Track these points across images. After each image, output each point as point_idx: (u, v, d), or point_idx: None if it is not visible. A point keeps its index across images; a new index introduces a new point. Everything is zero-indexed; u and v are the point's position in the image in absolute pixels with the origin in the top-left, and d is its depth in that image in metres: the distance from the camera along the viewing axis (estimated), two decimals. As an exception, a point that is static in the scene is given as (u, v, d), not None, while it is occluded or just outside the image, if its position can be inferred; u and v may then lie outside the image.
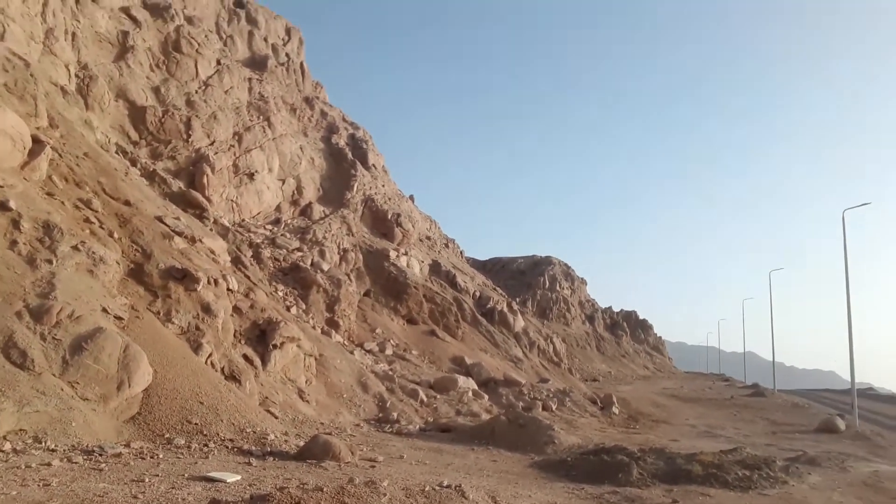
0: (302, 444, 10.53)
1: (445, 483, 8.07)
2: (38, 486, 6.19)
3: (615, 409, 26.05)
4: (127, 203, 15.70)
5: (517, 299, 56.93)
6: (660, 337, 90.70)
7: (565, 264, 78.89)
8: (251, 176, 28.89)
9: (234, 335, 15.09)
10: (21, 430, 8.01)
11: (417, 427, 16.42)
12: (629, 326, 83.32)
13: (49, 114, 15.96)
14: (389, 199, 38.07)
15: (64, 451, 7.90)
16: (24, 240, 10.97)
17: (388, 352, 24.86)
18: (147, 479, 7.06)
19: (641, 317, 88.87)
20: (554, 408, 23.18)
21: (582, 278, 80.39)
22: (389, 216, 35.47)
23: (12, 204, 11.20)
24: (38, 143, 13.55)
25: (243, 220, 27.44)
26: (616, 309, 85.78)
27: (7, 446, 7.50)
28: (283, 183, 31.66)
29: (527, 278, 73.28)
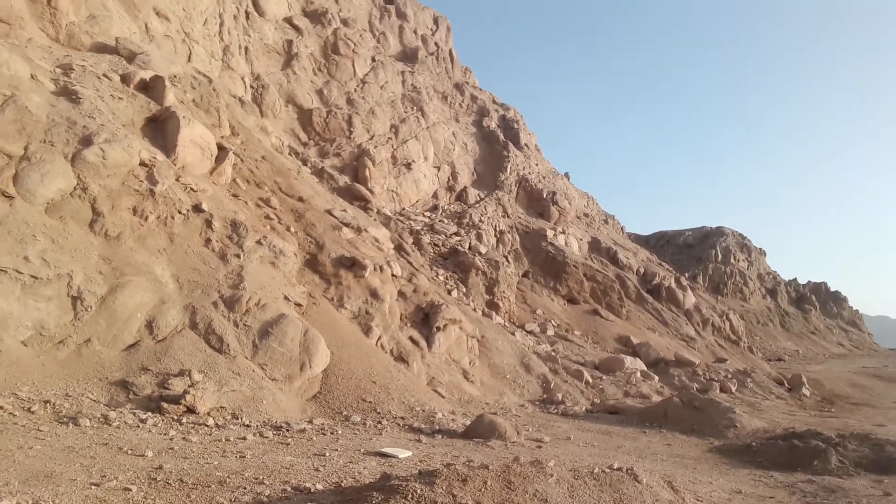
0: (468, 423, 10.72)
1: (616, 466, 7.75)
2: (236, 457, 6.88)
3: (805, 391, 23.58)
4: (300, 199, 16.96)
5: (686, 274, 53.62)
6: (856, 310, 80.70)
7: (740, 234, 72.81)
8: (408, 166, 29.95)
9: (400, 318, 15.76)
10: (221, 407, 8.97)
11: (584, 408, 16.07)
12: (819, 300, 75.06)
13: (230, 123, 17.66)
14: (543, 177, 37.55)
15: (257, 426, 8.73)
16: (216, 238, 12.25)
17: (550, 332, 24.61)
18: (328, 454, 7.57)
19: (833, 289, 79.70)
20: (734, 389, 21.53)
21: (760, 249, 73.76)
22: (544, 195, 35.00)
23: (205, 206, 12.53)
24: (222, 150, 15.05)
25: (403, 209, 28.56)
26: (802, 281, 77.71)
27: (210, 422, 8.44)
28: (439, 170, 32.45)
29: (696, 252, 68.73)
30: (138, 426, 7.70)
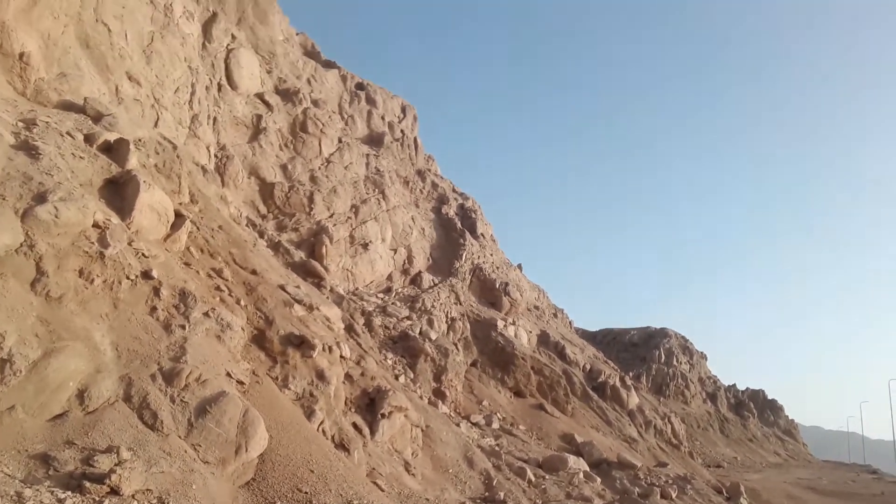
0: (408, 520, 10.30)
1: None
2: (160, 548, 6.40)
3: (744, 501, 23.68)
4: (254, 272, 16.72)
5: (630, 374, 54.24)
6: (792, 420, 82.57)
7: (682, 337, 74.70)
8: (366, 246, 30.09)
9: (345, 402, 15.35)
10: (148, 489, 8.40)
11: (525, 508, 15.69)
12: (756, 407, 76.67)
13: (190, 190, 17.55)
14: (497, 268, 38.18)
15: (184, 513, 8.18)
16: (162, 306, 11.87)
17: (495, 426, 24.28)
18: (258, 549, 7.12)
19: (770, 396, 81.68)
20: (674, 496, 21.43)
21: (702, 352, 75.60)
22: (497, 285, 35.47)
23: (154, 273, 12.21)
24: (179, 217, 14.85)
25: (357, 289, 28.42)
26: (741, 387, 79.49)
27: (134, 505, 7.88)
28: (395, 252, 32.68)
29: (640, 351, 69.94)
30: (54, 507, 7.13)
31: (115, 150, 14.50)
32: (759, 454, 63.13)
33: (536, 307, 41.81)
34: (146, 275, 12.10)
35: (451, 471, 16.84)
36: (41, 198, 10.83)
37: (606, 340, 71.31)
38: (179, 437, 9.70)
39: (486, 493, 16.36)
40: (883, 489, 39.49)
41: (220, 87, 27.19)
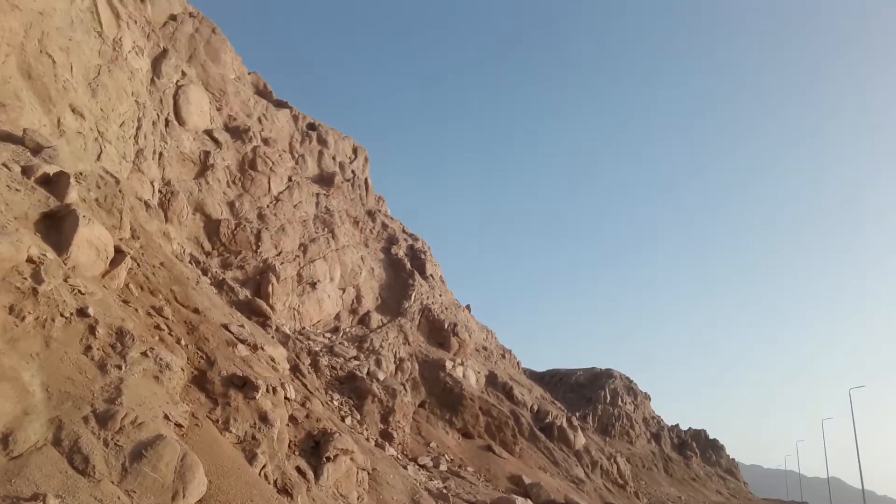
0: (352, 567, 10.01)
1: None
2: None
3: (688, 541, 23.89)
4: (196, 311, 16.29)
5: (577, 414, 54.64)
6: (733, 459, 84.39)
7: (627, 377, 75.96)
8: (313, 285, 29.73)
9: (289, 446, 14.93)
10: (75, 539, 7.94)
11: (473, 553, 15.45)
12: (699, 446, 78.10)
13: (132, 226, 17.09)
14: (446, 308, 38.24)
15: (114, 564, 7.75)
16: (97, 345, 11.41)
17: (443, 467, 23.97)
18: None
19: (712, 436, 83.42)
20: (620, 537, 21.48)
21: (645, 393, 76.92)
22: (446, 326, 35.47)
23: (91, 311, 11.77)
24: (119, 253, 14.41)
25: (304, 328, 27.95)
26: (683, 427, 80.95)
27: (60, 557, 7.42)
28: (344, 292, 32.39)
29: (586, 392, 70.67)
30: (-30, 561, 6.66)
31: (54, 184, 14.07)
32: (702, 493, 64.03)
33: (485, 348, 41.90)
34: (82, 312, 11.65)
35: (397, 515, 16.49)
36: (-28, 231, 10.38)
37: (553, 381, 71.84)
38: (112, 482, 9.23)
39: (433, 538, 16.05)
40: (819, 526, 40.55)
41: (167, 122, 26.81)
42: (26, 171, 13.77)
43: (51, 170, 14.34)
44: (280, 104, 39.33)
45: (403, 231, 43.26)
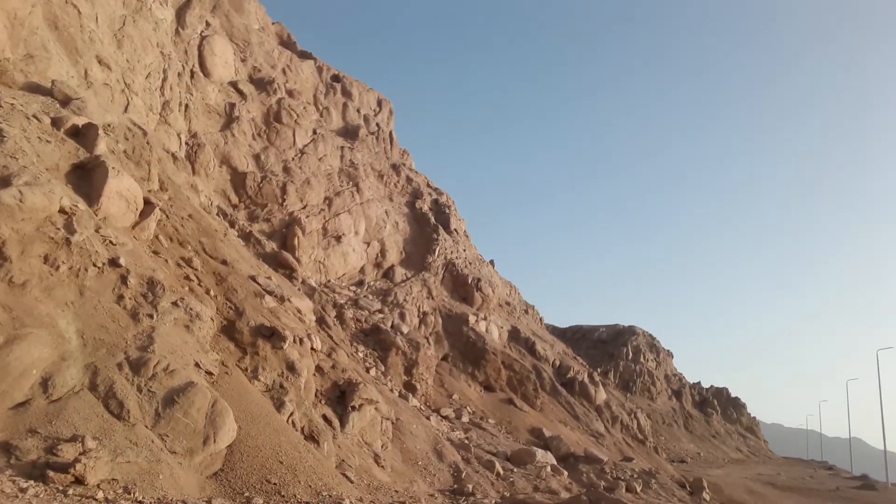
0: (376, 511, 10.34)
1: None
2: (125, 538, 6.34)
3: (706, 495, 24.22)
4: (224, 262, 16.53)
5: (598, 370, 55.00)
6: (753, 417, 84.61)
7: (650, 335, 75.94)
8: (338, 239, 29.92)
9: (315, 395, 15.29)
10: (113, 479, 8.29)
11: (493, 501, 15.82)
12: (720, 404, 78.36)
13: (160, 178, 17.26)
14: (470, 263, 38.29)
15: (150, 503, 8.10)
16: (129, 295, 11.68)
17: (465, 419, 24.41)
18: (225, 539, 7.09)
19: (733, 395, 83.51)
20: (638, 490, 21.81)
21: (668, 350, 76.96)
22: (469, 280, 35.58)
23: (122, 261, 12.01)
24: (148, 204, 14.61)
25: (329, 281, 28.27)
26: (705, 385, 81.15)
27: (100, 495, 7.77)
28: (368, 246, 32.56)
29: (609, 348, 70.93)
30: (17, 496, 6.98)
31: (83, 135, 14.20)
32: (721, 450, 64.56)
33: (508, 303, 42.07)
34: (113, 262, 11.90)
35: (420, 463, 16.91)
36: (5, 181, 10.57)
37: (576, 337, 72.12)
38: (146, 426, 9.58)
39: (455, 486, 16.47)
40: (838, 485, 40.75)
41: (192, 74, 26.73)
42: (56, 122, 13.89)
43: (79, 121, 14.45)
44: (304, 55, 38.89)
45: (428, 185, 43.08)
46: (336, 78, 40.37)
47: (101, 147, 14.22)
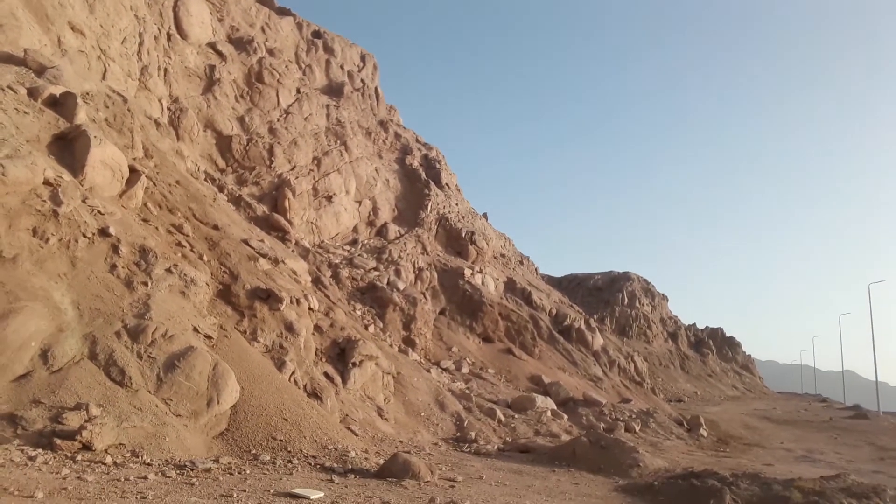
0: (382, 462, 10.58)
1: (527, 505, 7.89)
2: (136, 498, 6.48)
3: (703, 432, 24.84)
4: (215, 227, 16.46)
5: (595, 317, 55.64)
6: (749, 355, 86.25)
7: (644, 280, 76.61)
8: (329, 198, 29.74)
9: (316, 353, 15.46)
10: (120, 444, 8.44)
11: (496, 447, 16.20)
12: (715, 344, 79.72)
13: (144, 145, 17.02)
14: (463, 217, 38.23)
15: (159, 465, 8.26)
16: (122, 264, 11.66)
17: (465, 370, 24.77)
18: (235, 495, 7.26)
19: (728, 334, 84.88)
20: (637, 429, 22.35)
21: (663, 294, 77.80)
22: (463, 234, 35.58)
23: (112, 230, 11.94)
24: (134, 172, 14.44)
25: (322, 242, 28.22)
26: (700, 326, 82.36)
27: (108, 459, 7.91)
28: (360, 204, 32.41)
29: (604, 295, 71.62)
30: (27, 464, 7.11)
31: (61, 105, 13.92)
32: (717, 388, 65.95)
33: (503, 255, 42.19)
34: (103, 232, 11.83)
35: (423, 414, 17.24)
36: (-14, 155, 10.40)
37: (571, 286, 72.70)
38: (149, 392, 9.69)
39: (458, 434, 16.83)
40: (831, 416, 41.83)
41: (169, 36, 26.06)
42: (32, 92, 13.60)
43: (57, 91, 14.15)
44: (283, 12, 37.88)
45: (417, 141, 42.62)
46: (317, 34, 39.44)
47: (82, 116, 13.97)
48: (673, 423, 25.28)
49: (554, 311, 37.40)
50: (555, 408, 22.31)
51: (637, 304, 71.02)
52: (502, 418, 19.51)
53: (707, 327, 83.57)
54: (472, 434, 16.76)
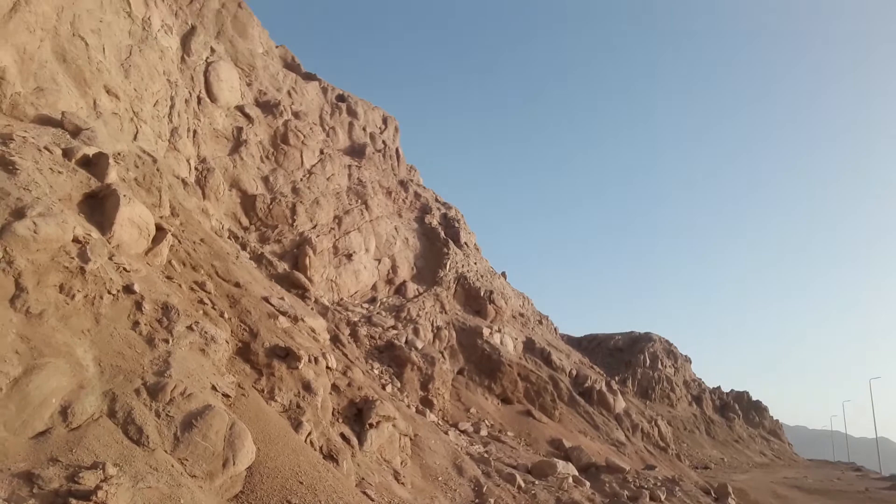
0: (399, 529, 10.25)
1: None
2: (148, 563, 6.31)
3: (732, 501, 23.82)
4: (237, 285, 16.61)
5: (616, 378, 54.52)
6: (776, 420, 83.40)
7: (666, 341, 75.24)
8: (349, 257, 30.00)
9: (333, 413, 15.26)
10: (134, 505, 8.28)
11: (516, 514, 15.65)
12: (741, 408, 77.34)
13: (171, 204, 17.43)
14: (481, 276, 38.23)
15: (172, 528, 8.07)
16: (144, 321, 11.74)
17: (483, 433, 24.24)
18: (248, 561, 7.04)
19: (755, 398, 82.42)
20: (663, 498, 21.50)
21: (686, 356, 76.19)
22: (482, 293, 35.51)
23: (136, 287, 12.09)
24: (160, 230, 14.74)
25: (341, 299, 28.31)
26: (725, 389, 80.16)
27: (121, 521, 7.76)
28: (379, 262, 32.62)
29: (625, 356, 70.31)
30: (39, 526, 7.00)
31: (94, 165, 14.38)
32: (745, 455, 63.58)
33: (521, 314, 41.90)
34: (128, 289, 11.98)
35: (440, 478, 16.78)
36: (19, 213, 10.69)
37: (591, 346, 71.60)
38: (166, 451, 9.57)
39: (476, 500, 16.31)
40: (867, 486, 39.97)
41: (199, 99, 27.05)
42: (67, 153, 14.09)
43: (90, 151, 14.65)
44: (308, 77, 39.29)
45: (436, 200, 43.17)
46: (341, 98, 40.71)
47: (113, 175, 14.40)
48: (700, 491, 24.30)
49: (574, 372, 36.76)
50: (576, 474, 21.61)
51: (659, 365, 69.54)
52: (522, 484, 18.91)
53: (732, 390, 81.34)
54: (492, 500, 16.23)
